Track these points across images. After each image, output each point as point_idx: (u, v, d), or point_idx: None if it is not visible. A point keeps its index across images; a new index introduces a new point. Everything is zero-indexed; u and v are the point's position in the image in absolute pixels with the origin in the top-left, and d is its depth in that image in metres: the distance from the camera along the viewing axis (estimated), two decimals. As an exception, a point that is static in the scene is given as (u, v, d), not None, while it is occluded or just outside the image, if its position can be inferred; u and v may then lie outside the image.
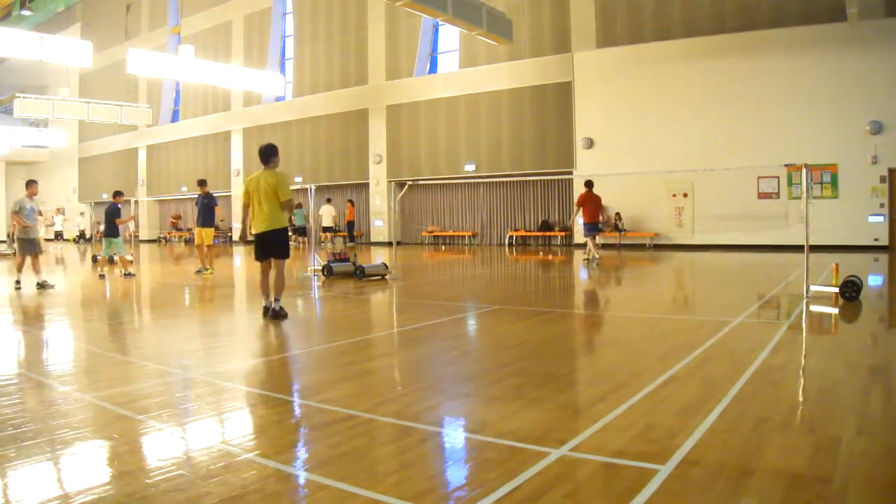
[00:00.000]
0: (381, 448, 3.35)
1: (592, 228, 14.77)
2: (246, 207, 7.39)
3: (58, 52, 16.83)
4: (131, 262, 14.61)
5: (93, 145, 38.09)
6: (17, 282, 10.84)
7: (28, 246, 11.09)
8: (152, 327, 7.73)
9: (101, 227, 14.36)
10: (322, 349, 5.94)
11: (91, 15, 36.22)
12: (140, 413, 3.85)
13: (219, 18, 30.33)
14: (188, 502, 2.63)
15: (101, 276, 13.35)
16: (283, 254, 7.44)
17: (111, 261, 17.17)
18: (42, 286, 10.74)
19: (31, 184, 11.44)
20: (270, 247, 7.39)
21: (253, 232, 7.40)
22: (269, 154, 7.39)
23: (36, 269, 11.06)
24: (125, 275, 12.83)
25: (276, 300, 7.31)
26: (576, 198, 20.94)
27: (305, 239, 25.87)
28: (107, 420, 3.78)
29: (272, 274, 7.43)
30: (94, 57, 18.40)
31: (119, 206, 13.32)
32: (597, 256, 14.53)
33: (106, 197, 36.67)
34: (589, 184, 14.65)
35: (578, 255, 18.09)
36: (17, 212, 11.08)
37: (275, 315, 7.25)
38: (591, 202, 14.59)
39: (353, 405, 3.96)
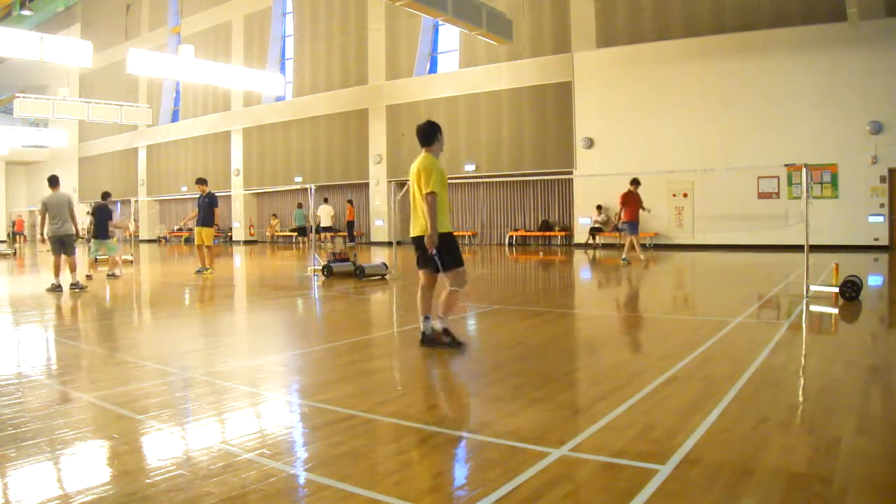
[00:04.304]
0: (381, 448, 3.35)
1: (634, 227, 14.54)
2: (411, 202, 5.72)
3: (58, 52, 16.82)
4: (124, 262, 14.59)
5: (93, 145, 38.10)
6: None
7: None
8: (153, 327, 7.73)
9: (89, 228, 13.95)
10: (322, 349, 5.94)
11: (91, 15, 36.23)
12: (140, 413, 3.86)
13: (219, 18, 30.33)
14: (188, 502, 2.63)
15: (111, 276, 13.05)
16: (425, 264, 5.59)
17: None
18: (76, 287, 10.57)
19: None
20: (419, 255, 5.65)
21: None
22: (423, 134, 5.64)
23: (72, 268, 10.79)
24: (108, 275, 12.83)
25: (440, 318, 5.61)
26: (576, 197, 21.22)
27: (305, 239, 25.92)
28: (107, 420, 3.78)
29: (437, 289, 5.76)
30: (94, 57, 18.40)
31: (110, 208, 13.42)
32: (625, 258, 14.41)
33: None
34: (635, 182, 14.24)
35: (579, 256, 18.09)
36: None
37: (450, 340, 5.59)
38: (634, 200, 14.33)
39: (353, 405, 3.96)
